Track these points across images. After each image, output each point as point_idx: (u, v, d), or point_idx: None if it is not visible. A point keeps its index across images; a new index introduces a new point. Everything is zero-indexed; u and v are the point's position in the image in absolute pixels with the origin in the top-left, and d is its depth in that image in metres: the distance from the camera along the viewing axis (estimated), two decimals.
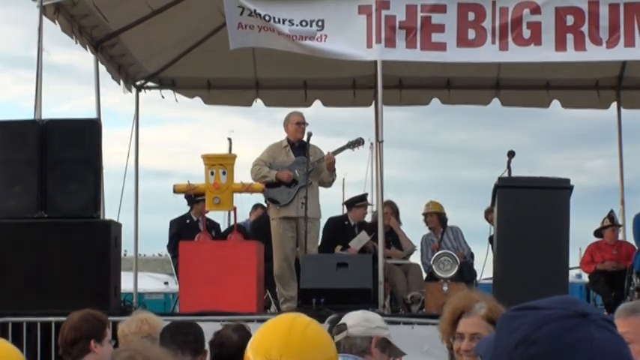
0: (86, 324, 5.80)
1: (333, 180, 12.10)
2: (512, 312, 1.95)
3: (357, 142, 12.04)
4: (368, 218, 13.56)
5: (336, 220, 13.16)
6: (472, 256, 13.29)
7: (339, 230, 12.77)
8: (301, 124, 11.93)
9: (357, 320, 5.08)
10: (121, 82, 14.11)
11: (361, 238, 12.63)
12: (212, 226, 13.55)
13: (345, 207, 13.55)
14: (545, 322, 1.87)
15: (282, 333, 3.08)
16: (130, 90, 14.54)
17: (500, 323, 1.96)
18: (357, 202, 13.13)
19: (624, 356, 1.88)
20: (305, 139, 11.89)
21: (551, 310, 1.89)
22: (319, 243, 12.21)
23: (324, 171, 11.84)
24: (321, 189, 12.14)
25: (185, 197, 13.17)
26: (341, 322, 5.14)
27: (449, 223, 13.44)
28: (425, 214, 13.46)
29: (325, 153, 11.99)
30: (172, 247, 13.36)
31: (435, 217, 13.36)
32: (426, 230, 13.50)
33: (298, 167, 11.72)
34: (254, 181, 11.64)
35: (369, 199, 14.04)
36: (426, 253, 13.09)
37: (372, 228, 12.72)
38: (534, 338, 1.86)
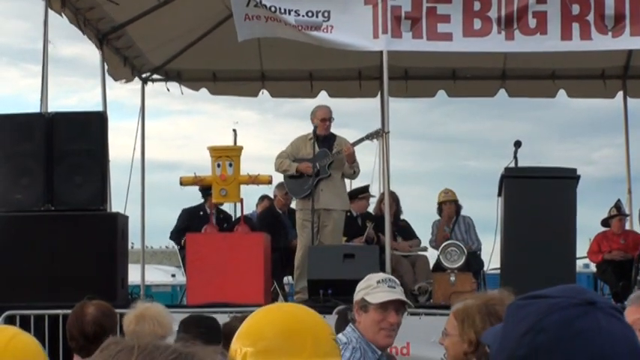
0: (108, 319, 5.68)
1: (356, 172, 12.02)
2: (520, 301, 1.95)
3: (376, 134, 11.94)
4: (371, 209, 13.54)
5: None
6: (479, 247, 13.25)
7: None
8: (326, 120, 11.88)
9: None
10: (116, 76, 13.97)
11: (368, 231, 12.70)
12: (225, 218, 13.48)
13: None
14: (552, 310, 1.87)
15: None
16: (120, 81, 14.29)
17: (508, 312, 1.95)
18: (359, 194, 13.08)
19: (632, 343, 1.88)
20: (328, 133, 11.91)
21: (558, 298, 1.89)
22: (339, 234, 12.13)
23: (345, 163, 11.83)
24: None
25: (199, 189, 13.04)
26: None
27: (462, 213, 13.38)
28: (439, 203, 13.40)
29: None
30: (176, 236, 13.25)
31: (452, 205, 13.24)
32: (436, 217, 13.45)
33: (319, 160, 11.70)
34: (279, 172, 11.87)
35: (374, 190, 14.01)
36: (435, 236, 13.06)
37: (374, 219, 12.74)
38: (542, 326, 1.86)
